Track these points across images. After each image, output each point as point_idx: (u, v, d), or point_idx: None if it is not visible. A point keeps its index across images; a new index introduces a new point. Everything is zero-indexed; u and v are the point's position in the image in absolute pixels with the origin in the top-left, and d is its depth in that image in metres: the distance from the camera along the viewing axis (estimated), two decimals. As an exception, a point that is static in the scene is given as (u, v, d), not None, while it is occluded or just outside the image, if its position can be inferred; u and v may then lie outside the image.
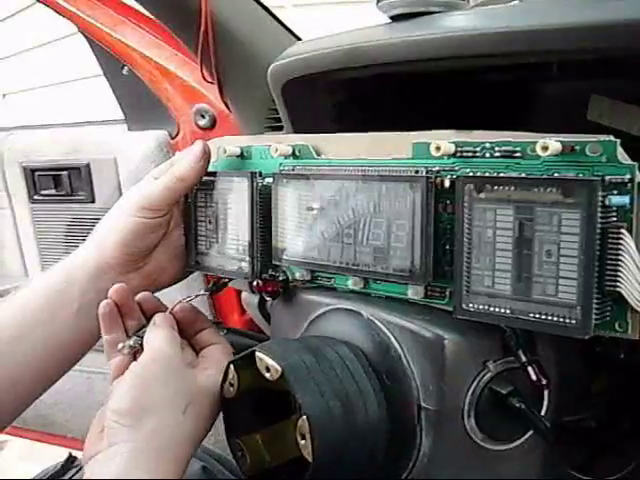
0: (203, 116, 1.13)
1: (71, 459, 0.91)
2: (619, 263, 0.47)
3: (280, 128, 0.89)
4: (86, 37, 1.25)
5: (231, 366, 0.60)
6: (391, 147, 0.60)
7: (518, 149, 0.52)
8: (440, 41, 0.64)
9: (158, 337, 0.65)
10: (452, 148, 0.55)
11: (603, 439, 0.70)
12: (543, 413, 0.58)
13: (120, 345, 0.68)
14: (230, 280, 0.75)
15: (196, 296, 0.75)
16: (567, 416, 0.63)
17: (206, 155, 0.70)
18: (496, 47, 0.61)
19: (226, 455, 0.83)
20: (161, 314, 0.68)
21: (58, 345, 0.69)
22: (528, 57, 0.62)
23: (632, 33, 0.53)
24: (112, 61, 1.23)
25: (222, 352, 0.68)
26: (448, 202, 0.55)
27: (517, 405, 0.55)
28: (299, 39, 0.98)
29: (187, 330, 0.71)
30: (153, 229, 0.70)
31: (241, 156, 0.72)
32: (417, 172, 0.57)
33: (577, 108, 0.81)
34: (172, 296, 1.23)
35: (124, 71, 1.23)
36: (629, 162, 0.47)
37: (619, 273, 0.47)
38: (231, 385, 0.61)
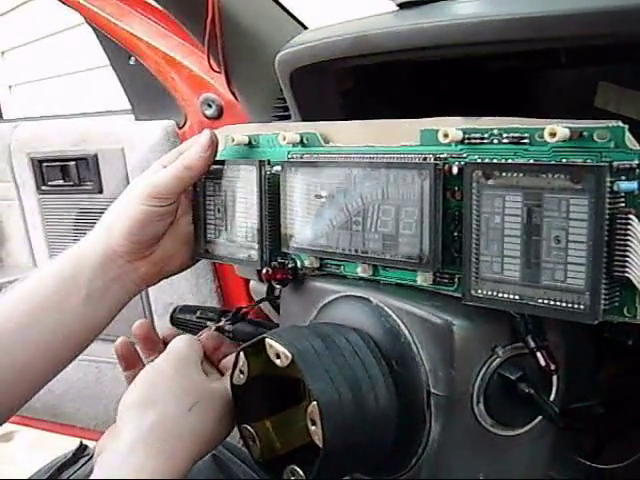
0: (210, 106, 1.13)
1: (82, 447, 0.91)
2: (627, 248, 0.47)
3: (287, 117, 0.89)
4: (93, 28, 1.25)
5: (241, 353, 0.61)
6: (399, 134, 0.60)
7: (526, 135, 0.52)
8: (447, 28, 0.64)
9: (179, 340, 0.67)
10: (460, 135, 0.55)
11: (611, 426, 0.70)
12: (552, 399, 0.58)
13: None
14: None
15: (217, 328, 0.77)
16: (575, 402, 0.63)
17: (214, 144, 0.71)
18: (504, 34, 0.61)
19: (236, 443, 0.84)
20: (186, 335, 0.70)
21: (66, 332, 0.69)
22: (536, 44, 0.62)
23: (640, 18, 0.53)
24: (119, 51, 1.23)
25: None
26: (456, 189, 0.55)
27: (526, 390, 0.55)
28: (306, 27, 0.98)
29: (212, 356, 0.72)
30: (161, 217, 0.70)
31: (249, 144, 0.72)
32: (425, 159, 0.57)
33: (584, 95, 0.81)
34: (180, 286, 1.24)
35: (131, 61, 1.23)
36: (637, 148, 0.47)
37: (627, 258, 0.47)
38: (241, 372, 0.61)
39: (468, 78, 0.85)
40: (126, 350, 0.73)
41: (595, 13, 0.55)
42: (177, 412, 0.60)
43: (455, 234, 0.56)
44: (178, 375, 0.63)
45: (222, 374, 0.70)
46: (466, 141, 0.56)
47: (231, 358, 0.70)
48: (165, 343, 0.72)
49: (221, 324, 0.76)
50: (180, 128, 1.20)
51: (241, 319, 0.77)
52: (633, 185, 0.47)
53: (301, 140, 0.67)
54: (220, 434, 0.64)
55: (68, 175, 1.35)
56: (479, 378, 0.56)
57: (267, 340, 0.58)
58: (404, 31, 0.68)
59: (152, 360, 0.70)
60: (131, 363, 0.73)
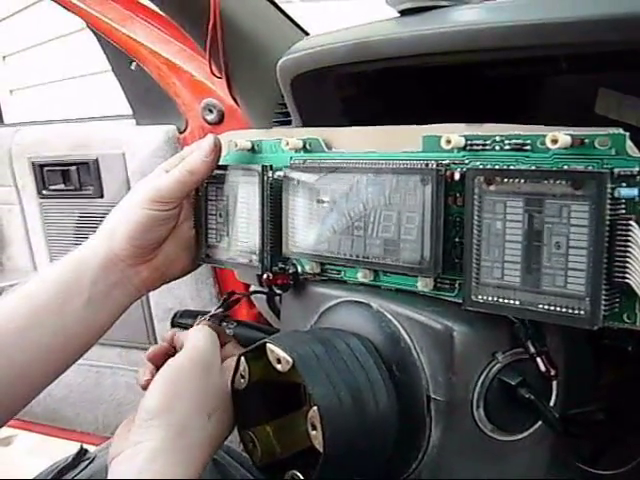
0: (211, 111, 1.13)
1: (82, 451, 0.91)
2: (628, 255, 0.47)
3: (288, 123, 0.89)
4: (94, 33, 1.26)
5: (242, 358, 0.61)
6: (401, 140, 0.60)
7: (528, 142, 0.53)
8: (449, 35, 0.65)
9: (199, 335, 0.65)
10: (462, 141, 0.56)
11: (611, 432, 0.70)
12: (552, 404, 0.58)
13: None
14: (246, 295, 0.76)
15: (211, 315, 0.77)
16: (575, 408, 0.63)
17: (217, 149, 0.71)
18: (505, 41, 0.61)
19: (235, 447, 0.84)
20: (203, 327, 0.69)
21: (67, 336, 0.69)
22: (536, 51, 0.62)
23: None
24: (120, 56, 1.24)
25: None
26: (458, 195, 0.56)
27: (526, 396, 0.55)
28: (307, 34, 0.98)
29: None
30: (163, 222, 0.71)
31: (252, 150, 0.72)
32: (427, 165, 0.57)
33: (585, 102, 0.81)
34: (180, 290, 1.24)
35: (132, 66, 1.24)
36: (638, 155, 0.48)
37: (628, 265, 0.47)
38: (242, 377, 0.61)
39: (469, 85, 0.85)
40: (157, 358, 0.72)
41: (596, 20, 0.55)
42: (199, 420, 0.60)
43: (456, 240, 0.56)
44: (200, 378, 0.62)
45: None
46: (468, 147, 0.56)
47: (231, 360, 0.70)
48: (172, 346, 0.73)
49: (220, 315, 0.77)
50: (181, 133, 1.21)
51: (234, 303, 0.76)
52: (634, 192, 0.47)
53: (304, 146, 0.68)
54: (228, 435, 0.64)
55: (69, 179, 1.35)
56: (479, 383, 0.56)
57: (268, 345, 0.58)
58: (405, 37, 0.68)
59: None
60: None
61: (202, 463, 0.60)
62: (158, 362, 0.70)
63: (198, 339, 0.65)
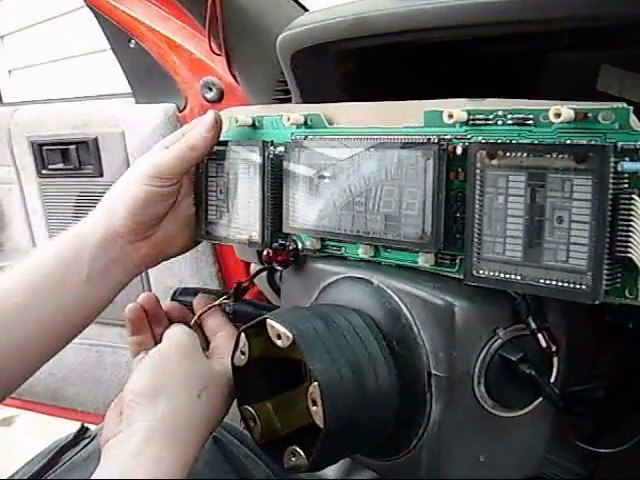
0: (211, 89, 1.13)
1: (83, 430, 0.91)
2: (630, 229, 0.47)
3: (288, 99, 0.89)
4: (93, 11, 1.25)
5: (242, 334, 0.61)
6: (403, 116, 0.60)
7: (530, 116, 0.52)
8: (448, 10, 0.64)
9: (177, 330, 0.67)
10: (464, 116, 0.55)
11: (611, 410, 0.70)
12: (553, 380, 0.58)
13: None
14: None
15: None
16: (575, 385, 0.63)
17: (217, 125, 0.70)
18: (506, 15, 0.61)
19: (236, 424, 0.84)
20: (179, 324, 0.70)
21: (66, 312, 0.69)
22: (538, 26, 0.62)
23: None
24: (119, 35, 1.23)
25: (233, 339, 0.68)
26: (460, 169, 0.55)
27: (527, 371, 0.55)
28: (307, 10, 0.97)
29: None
30: (163, 198, 0.70)
31: (253, 126, 0.72)
32: (429, 140, 0.57)
33: (587, 78, 0.81)
34: (180, 269, 1.24)
35: (131, 44, 1.23)
36: (642, 129, 0.48)
37: (630, 239, 0.47)
38: (242, 353, 0.61)
39: (469, 61, 0.84)
40: (135, 315, 0.73)
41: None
42: (187, 400, 0.61)
43: (457, 215, 0.56)
44: (184, 362, 0.63)
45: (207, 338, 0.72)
46: (470, 122, 0.56)
47: (223, 336, 0.71)
48: (169, 319, 0.74)
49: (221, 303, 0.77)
50: (180, 111, 1.20)
51: (243, 292, 0.76)
52: (637, 166, 0.47)
53: (305, 121, 0.67)
54: (223, 414, 0.65)
55: (68, 159, 1.35)
56: (480, 359, 0.56)
57: (268, 321, 0.58)
58: (404, 13, 0.68)
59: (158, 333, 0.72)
60: (138, 328, 0.73)
61: (197, 443, 0.61)
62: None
63: (174, 332, 0.67)
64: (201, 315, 0.74)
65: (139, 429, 0.58)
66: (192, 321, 0.74)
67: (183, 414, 0.60)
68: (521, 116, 0.53)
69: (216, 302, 0.75)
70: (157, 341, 0.71)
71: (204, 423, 0.62)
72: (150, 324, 0.74)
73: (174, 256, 0.77)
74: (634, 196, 0.47)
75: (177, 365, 0.63)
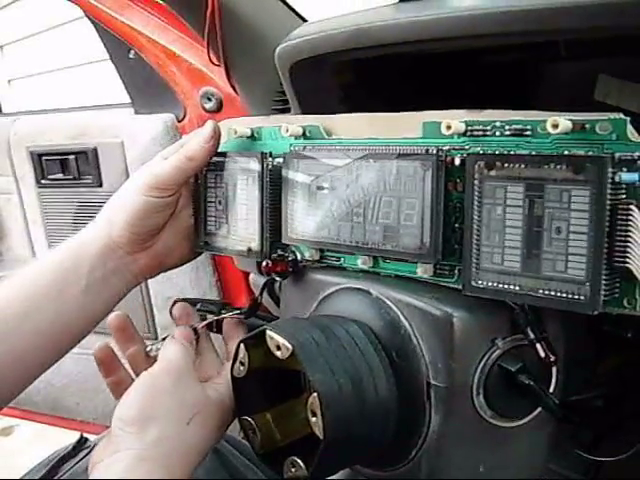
0: (210, 99, 1.13)
1: (82, 440, 0.91)
2: (628, 239, 0.47)
3: (287, 110, 0.89)
4: (92, 21, 1.25)
5: (242, 345, 0.61)
6: (401, 127, 0.60)
7: (528, 127, 0.52)
8: (447, 21, 0.64)
9: (172, 350, 0.65)
10: (463, 127, 0.55)
11: (610, 419, 0.70)
12: (551, 390, 0.58)
13: (148, 347, 0.73)
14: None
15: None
16: (574, 395, 0.63)
17: (216, 135, 0.71)
18: (503, 26, 0.61)
19: (235, 435, 0.84)
20: (181, 327, 0.70)
21: (64, 322, 0.69)
22: (536, 36, 0.62)
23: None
24: (118, 45, 1.23)
25: None
26: (458, 180, 0.56)
27: (526, 382, 0.55)
28: (305, 20, 0.98)
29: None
30: (162, 208, 0.70)
31: (251, 137, 0.72)
32: (428, 151, 0.57)
33: (584, 88, 0.81)
34: (179, 279, 1.24)
35: (130, 55, 1.23)
36: (639, 140, 0.48)
37: (628, 249, 0.47)
38: (242, 364, 0.61)
39: (467, 72, 0.85)
40: (105, 355, 0.72)
41: (596, 5, 0.55)
42: (177, 427, 0.60)
43: (456, 226, 0.56)
44: (176, 387, 0.62)
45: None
46: (468, 133, 0.56)
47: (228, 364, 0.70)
48: (176, 322, 0.74)
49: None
50: (180, 122, 1.20)
51: (257, 309, 0.76)
52: (634, 176, 0.47)
53: (303, 132, 0.67)
54: (216, 440, 0.64)
55: (67, 169, 1.35)
56: (479, 370, 0.56)
57: (267, 332, 0.58)
58: (403, 24, 0.68)
59: (131, 355, 0.72)
60: (111, 369, 0.72)
61: (185, 471, 0.60)
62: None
63: (170, 352, 0.65)
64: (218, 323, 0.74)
65: (126, 456, 0.57)
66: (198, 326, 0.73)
67: (172, 442, 0.59)
68: (519, 127, 0.53)
69: (226, 315, 0.75)
70: (132, 363, 0.72)
71: (193, 450, 0.61)
72: (122, 342, 0.73)
73: (173, 267, 0.77)
74: (632, 207, 0.47)
75: (168, 391, 0.61)
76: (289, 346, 0.55)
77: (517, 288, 0.51)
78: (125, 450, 0.58)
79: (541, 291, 0.50)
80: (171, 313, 0.83)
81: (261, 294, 0.75)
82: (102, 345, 0.72)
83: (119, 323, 0.73)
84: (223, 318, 0.75)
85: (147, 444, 0.58)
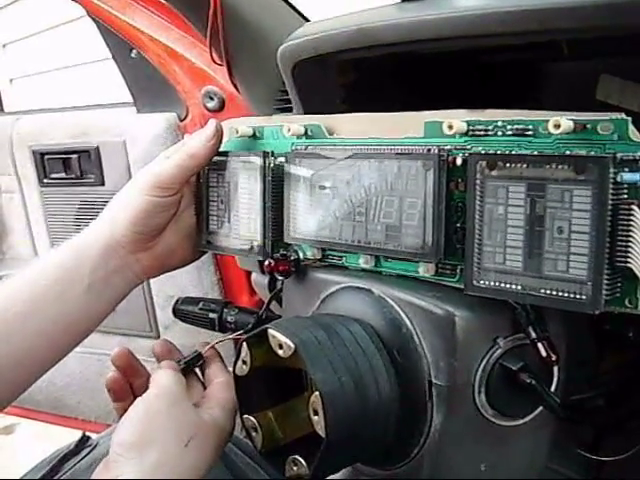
0: (212, 98, 1.13)
1: (84, 438, 0.91)
2: (630, 239, 0.47)
3: (289, 110, 0.89)
4: (94, 20, 1.25)
5: (244, 344, 0.61)
6: (403, 126, 0.60)
7: (530, 127, 0.53)
8: (449, 21, 0.64)
9: (163, 376, 0.65)
10: (464, 127, 0.56)
11: (611, 418, 0.71)
12: (553, 389, 0.58)
13: None
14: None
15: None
16: (576, 394, 0.64)
17: (218, 134, 0.71)
18: (506, 26, 0.61)
19: (237, 434, 0.84)
20: (167, 361, 0.69)
21: (67, 322, 0.69)
22: (538, 36, 0.62)
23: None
24: (121, 44, 1.23)
25: (226, 389, 0.68)
26: (460, 180, 0.56)
27: (527, 381, 0.55)
28: (308, 20, 0.98)
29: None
30: (164, 208, 0.71)
31: (253, 136, 0.72)
32: (429, 150, 0.57)
33: (586, 88, 0.81)
34: (181, 278, 1.24)
35: (133, 54, 1.23)
36: (641, 140, 0.48)
37: (630, 249, 0.47)
38: (244, 363, 0.61)
39: (470, 71, 0.85)
40: (115, 383, 0.72)
41: (598, 5, 0.55)
42: (175, 450, 0.60)
43: (458, 225, 0.56)
44: (171, 411, 0.62)
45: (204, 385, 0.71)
46: (470, 133, 0.56)
47: (220, 383, 0.70)
48: (156, 354, 0.73)
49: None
50: (182, 121, 1.20)
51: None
52: (636, 176, 0.47)
53: (305, 132, 0.67)
54: (212, 463, 0.64)
55: (70, 168, 1.35)
56: (480, 369, 0.56)
57: (270, 331, 0.58)
58: (406, 23, 0.68)
59: (137, 388, 0.71)
60: (122, 397, 0.72)
61: None
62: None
63: (162, 377, 0.65)
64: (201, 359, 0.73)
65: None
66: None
67: (171, 465, 0.59)
68: (521, 127, 0.53)
69: (230, 336, 0.75)
70: (136, 395, 0.70)
71: (192, 470, 0.61)
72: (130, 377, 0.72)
73: (175, 268, 0.78)
74: (633, 206, 0.47)
75: (164, 414, 0.61)
76: (291, 345, 0.55)
77: (519, 288, 0.52)
78: (124, 475, 0.57)
79: (543, 291, 0.50)
80: (174, 311, 0.84)
81: (265, 309, 0.76)
82: (115, 374, 0.72)
83: (124, 362, 0.72)
84: (228, 339, 0.75)
85: (147, 468, 0.58)
